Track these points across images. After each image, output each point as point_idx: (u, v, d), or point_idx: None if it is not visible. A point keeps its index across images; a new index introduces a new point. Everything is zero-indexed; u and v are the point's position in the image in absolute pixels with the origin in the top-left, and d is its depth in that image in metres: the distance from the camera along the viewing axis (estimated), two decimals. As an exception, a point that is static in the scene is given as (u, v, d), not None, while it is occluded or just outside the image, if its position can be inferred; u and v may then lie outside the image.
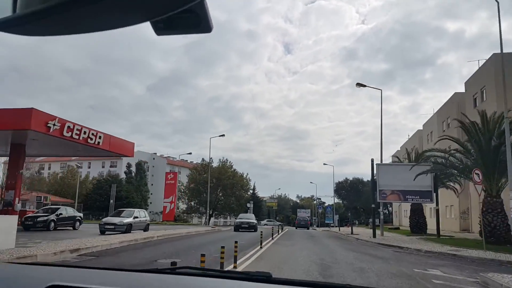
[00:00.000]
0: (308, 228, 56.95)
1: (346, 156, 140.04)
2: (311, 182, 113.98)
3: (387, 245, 21.16)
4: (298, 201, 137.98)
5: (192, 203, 73.01)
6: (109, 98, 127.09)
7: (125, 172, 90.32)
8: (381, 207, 29.12)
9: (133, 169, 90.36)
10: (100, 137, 20.99)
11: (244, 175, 77.51)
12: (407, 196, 26.65)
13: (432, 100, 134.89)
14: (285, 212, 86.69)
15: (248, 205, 56.32)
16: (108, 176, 76.88)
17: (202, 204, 71.89)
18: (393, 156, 53.53)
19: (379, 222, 28.16)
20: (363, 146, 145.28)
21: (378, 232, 27.37)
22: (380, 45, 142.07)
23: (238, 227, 33.01)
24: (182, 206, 75.69)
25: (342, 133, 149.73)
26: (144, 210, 25.69)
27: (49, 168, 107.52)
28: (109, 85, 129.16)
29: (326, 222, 57.47)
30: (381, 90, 29.24)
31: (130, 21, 0.68)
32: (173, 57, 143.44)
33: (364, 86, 29.46)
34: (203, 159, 74.59)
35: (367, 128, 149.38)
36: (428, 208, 36.37)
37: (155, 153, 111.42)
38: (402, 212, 62.42)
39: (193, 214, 74.52)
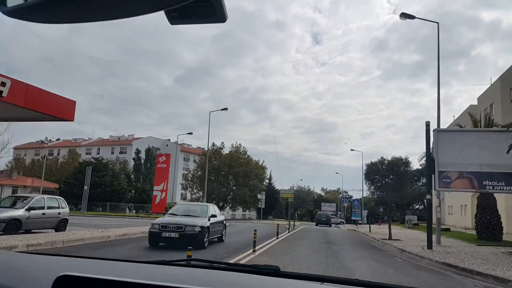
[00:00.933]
0: (330, 225, 48.78)
1: (374, 150, 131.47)
2: (336, 173, 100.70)
3: (465, 271, 11.05)
4: (323, 194, 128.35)
5: (201, 193, 63.89)
6: (138, 89, 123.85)
7: (133, 159, 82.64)
8: (437, 199, 18.75)
9: (143, 155, 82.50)
10: (3, 84, 11.31)
11: (260, 163, 67.86)
12: (484, 182, 16.23)
13: (465, 93, 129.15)
14: (306, 206, 76.45)
15: (259, 196, 46.68)
16: (93, 158, 68.07)
17: (212, 194, 62.93)
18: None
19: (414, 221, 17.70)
20: (392, 140, 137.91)
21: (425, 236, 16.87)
22: (411, 35, 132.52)
23: (154, 238, 13.07)
24: (189, 196, 66.88)
25: (370, 126, 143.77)
26: (59, 198, 16.34)
27: (58, 153, 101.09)
28: (137, 76, 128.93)
29: (352, 218, 46.95)
30: (437, 23, 19.27)
31: (144, 9, 0.67)
32: (201, 48, 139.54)
33: (413, 17, 19.51)
34: (213, 144, 65.33)
35: (397, 121, 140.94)
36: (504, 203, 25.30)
37: (169, 139, 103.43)
38: (445, 208, 50.93)
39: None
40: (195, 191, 64.95)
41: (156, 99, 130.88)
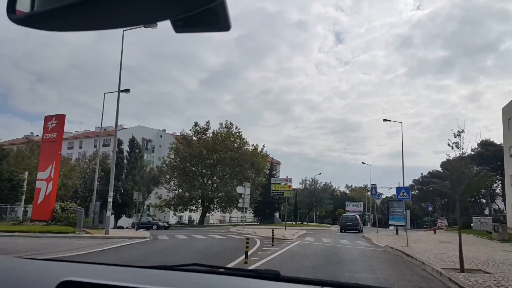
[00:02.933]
0: (359, 231, 35.59)
1: (400, 149, 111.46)
2: (363, 163, 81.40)
3: None
4: (348, 191, 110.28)
5: (180, 190, 47.30)
6: (164, 94, 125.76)
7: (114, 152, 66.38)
8: None
9: (126, 148, 66.63)
10: None
11: (259, 149, 50.47)
12: None
13: (494, 88, 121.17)
14: (324, 205, 58.39)
15: (239, 189, 29.59)
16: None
17: (194, 190, 46.14)
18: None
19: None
20: (419, 138, 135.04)
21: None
22: (437, 31, 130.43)
23: None
24: (167, 194, 50.21)
25: (396, 124, 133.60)
26: None
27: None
28: (163, 80, 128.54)
29: (391, 222, 29.04)
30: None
31: (150, 19, 0.69)
32: (224, 51, 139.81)
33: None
34: (195, 124, 48.62)
35: (424, 119, 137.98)
36: None
37: (164, 130, 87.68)
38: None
39: (185, 207, 48.50)
40: (173, 186, 48.28)
41: (182, 102, 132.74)
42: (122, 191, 61.81)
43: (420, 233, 34.57)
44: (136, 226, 37.55)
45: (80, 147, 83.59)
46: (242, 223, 52.19)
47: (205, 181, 47.25)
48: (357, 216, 41.55)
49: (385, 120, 37.45)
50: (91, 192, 69.39)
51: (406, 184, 41.90)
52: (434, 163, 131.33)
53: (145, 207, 56.69)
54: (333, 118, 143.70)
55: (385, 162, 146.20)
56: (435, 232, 31.62)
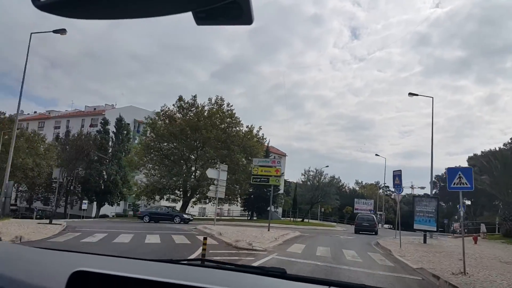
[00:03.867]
0: (375, 233, 32.13)
1: (413, 149, 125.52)
2: (376, 155, 71.37)
3: None
4: (357, 188, 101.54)
5: (155, 175, 39.36)
6: (175, 85, 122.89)
7: (97, 132, 58.73)
8: None
9: (112, 128, 58.91)
10: None
11: (255, 131, 42.22)
12: None
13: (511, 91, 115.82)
14: (329, 201, 49.66)
15: (209, 173, 21.41)
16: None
17: (172, 176, 38.33)
18: None
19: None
20: (433, 139, 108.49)
21: None
22: (455, 30, 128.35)
23: None
24: (141, 180, 42.23)
25: (410, 124, 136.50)
26: None
27: (27, 127, 79.88)
28: (175, 71, 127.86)
29: (417, 226, 20.43)
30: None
31: (172, 9, 0.69)
32: (237, 43, 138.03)
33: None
34: (180, 98, 40.64)
35: (439, 120, 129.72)
36: None
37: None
38: None
39: (161, 196, 40.66)
40: (152, 171, 40.30)
41: (193, 94, 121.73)
42: (106, 177, 54.80)
43: (452, 241, 26.02)
44: (145, 216, 30.52)
45: (67, 127, 76.45)
46: (225, 217, 44.29)
47: (189, 167, 39.24)
48: (374, 216, 37.07)
49: (411, 94, 28.76)
50: (73, 177, 61.51)
51: (425, 183, 33.08)
52: (447, 165, 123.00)
53: (133, 195, 49.20)
54: (345, 115, 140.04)
55: (397, 162, 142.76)
56: (476, 242, 23.00)
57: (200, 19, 0.73)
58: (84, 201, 53.55)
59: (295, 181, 50.44)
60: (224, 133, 38.70)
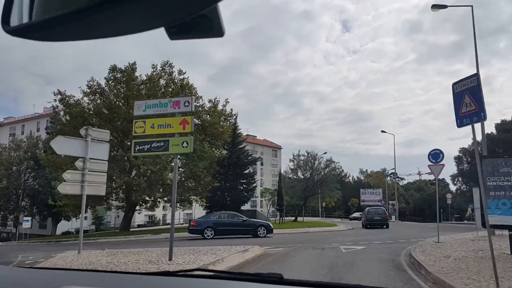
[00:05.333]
0: (386, 226, 28.26)
1: (414, 137, 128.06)
2: (382, 131, 57.84)
3: None
4: (363, 177, 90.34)
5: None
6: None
7: (47, 132, 47.99)
8: None
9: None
10: None
11: (220, 106, 31.01)
12: None
13: (507, 71, 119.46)
14: (326, 191, 38.01)
15: (53, 145, 10.18)
16: None
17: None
18: None
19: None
20: (433, 126, 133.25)
21: None
22: (447, 15, 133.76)
23: None
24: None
25: (408, 112, 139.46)
26: None
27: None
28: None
29: (492, 219, 8.48)
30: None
31: (146, 26, 0.69)
32: (231, 45, 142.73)
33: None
34: (113, 68, 29.42)
35: (437, 106, 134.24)
36: None
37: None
38: None
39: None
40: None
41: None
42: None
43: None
44: (207, 229, 19.16)
45: (23, 133, 65.72)
46: (164, 227, 32.66)
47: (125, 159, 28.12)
48: (384, 209, 32.95)
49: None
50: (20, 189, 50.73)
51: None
52: (450, 150, 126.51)
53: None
54: (344, 109, 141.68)
55: (399, 151, 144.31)
56: None
57: (173, 34, 0.73)
58: (26, 218, 42.49)
59: (290, 175, 39.02)
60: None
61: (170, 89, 29.01)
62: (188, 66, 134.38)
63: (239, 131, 30.26)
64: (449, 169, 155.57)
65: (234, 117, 30.99)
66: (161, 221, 60.65)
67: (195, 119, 28.32)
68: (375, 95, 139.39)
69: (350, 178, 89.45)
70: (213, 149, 29.08)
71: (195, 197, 27.19)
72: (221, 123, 29.19)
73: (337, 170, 37.30)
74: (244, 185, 27.71)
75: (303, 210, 37.85)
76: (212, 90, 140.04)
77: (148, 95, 27.13)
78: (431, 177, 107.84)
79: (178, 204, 27.83)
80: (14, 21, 0.73)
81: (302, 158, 37.07)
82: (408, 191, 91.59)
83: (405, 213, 76.04)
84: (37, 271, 1.86)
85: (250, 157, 30.12)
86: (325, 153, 77.56)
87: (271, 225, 20.33)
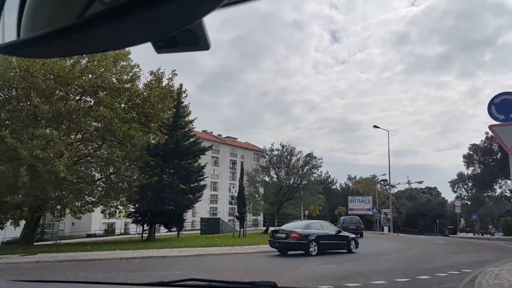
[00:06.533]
0: (361, 235, 25.21)
1: (402, 147, 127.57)
2: (375, 126, 49.68)
3: None
4: (351, 184, 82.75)
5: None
6: None
7: None
8: None
9: None
10: None
11: (165, 80, 22.66)
12: None
13: (493, 83, 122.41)
14: (307, 194, 29.85)
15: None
16: None
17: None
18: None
19: None
20: (420, 136, 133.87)
21: None
22: (433, 26, 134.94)
23: None
24: None
25: (396, 123, 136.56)
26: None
27: None
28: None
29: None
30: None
31: (132, 42, 0.70)
32: (220, 53, 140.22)
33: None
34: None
35: (424, 117, 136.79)
36: None
37: None
38: None
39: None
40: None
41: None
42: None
43: None
44: (312, 243, 14.72)
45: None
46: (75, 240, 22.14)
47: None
48: (359, 218, 30.06)
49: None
50: None
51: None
52: (435, 161, 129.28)
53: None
54: (333, 118, 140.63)
55: (387, 161, 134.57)
56: None
57: (159, 48, 0.74)
58: None
59: (261, 174, 30.65)
60: (99, 78, 19.46)
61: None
62: (177, 74, 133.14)
63: (185, 112, 22.08)
64: (446, 175, 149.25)
65: (184, 95, 22.95)
66: (121, 230, 52.08)
67: (124, 93, 20.36)
68: (364, 105, 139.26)
69: (338, 184, 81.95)
70: (149, 134, 20.94)
71: (116, 202, 19.02)
72: (154, 93, 21.02)
73: (319, 169, 29.00)
74: (187, 184, 19.43)
75: (275, 218, 29.77)
76: (201, 98, 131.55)
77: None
78: (422, 185, 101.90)
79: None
80: (2, 39, 0.73)
81: (275, 153, 29.20)
82: (399, 199, 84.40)
83: (397, 223, 68.61)
84: (31, 284, 1.77)
85: (197, 145, 21.77)
86: (312, 151, 69.56)
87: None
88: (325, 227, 16.37)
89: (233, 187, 65.70)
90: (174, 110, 21.03)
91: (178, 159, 19.45)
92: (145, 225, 20.01)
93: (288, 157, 28.96)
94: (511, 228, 39.84)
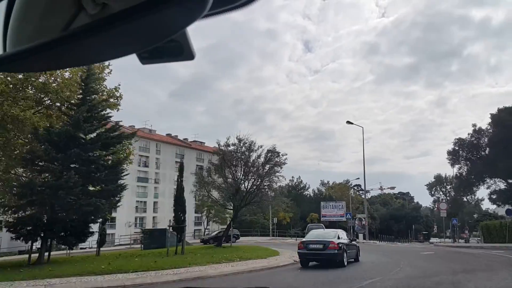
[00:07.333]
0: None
1: (374, 155, 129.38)
2: (348, 122, 44.81)
3: None
4: (324, 189, 78.40)
5: None
6: (134, 106, 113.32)
7: None
8: None
9: None
10: None
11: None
12: None
13: (459, 93, 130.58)
14: (264, 198, 24.69)
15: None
16: None
17: None
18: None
19: None
20: (390, 144, 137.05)
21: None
22: (402, 38, 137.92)
23: None
24: None
25: (367, 131, 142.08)
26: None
27: None
28: (133, 92, 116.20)
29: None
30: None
31: (117, 54, 0.70)
32: (194, 61, 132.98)
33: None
34: None
35: (393, 125, 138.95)
36: None
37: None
38: None
39: None
40: None
41: (153, 114, 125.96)
42: None
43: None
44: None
45: None
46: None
47: None
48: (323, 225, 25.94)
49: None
50: None
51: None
52: (405, 168, 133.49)
53: None
54: (307, 127, 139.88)
55: (359, 169, 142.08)
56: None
57: (144, 59, 0.74)
58: None
59: (213, 174, 25.20)
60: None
61: None
62: (149, 80, 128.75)
63: (101, 88, 16.48)
64: (415, 182, 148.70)
65: (108, 70, 17.44)
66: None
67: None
68: (336, 114, 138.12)
69: (310, 190, 77.55)
70: (49, 117, 15.22)
71: None
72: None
73: (283, 167, 23.76)
74: (93, 183, 13.70)
75: (231, 227, 24.37)
76: (173, 106, 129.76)
77: None
78: (395, 191, 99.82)
79: None
80: None
81: (231, 148, 24.01)
82: (373, 205, 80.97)
83: (371, 229, 64.75)
84: None
85: (111, 132, 15.91)
86: (275, 145, 64.57)
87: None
88: (345, 236, 15.60)
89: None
90: (83, 84, 15.49)
91: (79, 149, 13.85)
92: (37, 241, 14.22)
93: (247, 153, 23.78)
94: (493, 233, 36.02)
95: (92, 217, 14.52)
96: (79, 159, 14.05)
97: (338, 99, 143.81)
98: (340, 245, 13.64)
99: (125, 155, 18.71)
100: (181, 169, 19.14)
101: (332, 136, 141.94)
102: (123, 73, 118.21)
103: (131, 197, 61.09)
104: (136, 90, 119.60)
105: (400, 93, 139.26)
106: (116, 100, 19.64)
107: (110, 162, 15.87)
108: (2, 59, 0.71)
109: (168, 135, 74.40)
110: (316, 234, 15.71)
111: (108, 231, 58.95)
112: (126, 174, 16.60)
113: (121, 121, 17.72)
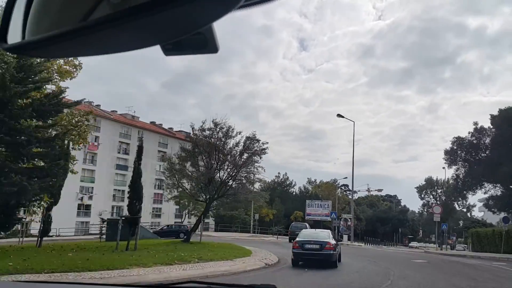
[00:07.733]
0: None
1: (363, 157, 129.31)
2: (339, 115, 42.36)
3: None
4: (310, 188, 76.13)
5: None
6: (125, 95, 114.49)
7: None
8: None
9: None
10: None
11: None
12: None
13: (450, 100, 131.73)
14: (241, 190, 22.21)
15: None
16: None
17: None
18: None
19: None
20: (380, 147, 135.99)
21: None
22: (398, 42, 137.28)
23: None
24: None
25: (358, 133, 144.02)
26: None
27: None
28: (124, 82, 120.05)
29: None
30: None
31: (141, 44, 0.70)
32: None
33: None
34: None
35: (384, 129, 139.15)
36: None
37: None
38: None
39: None
40: None
41: (143, 105, 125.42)
42: None
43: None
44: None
45: None
46: None
47: None
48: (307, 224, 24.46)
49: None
50: None
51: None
52: (394, 171, 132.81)
53: None
54: (298, 125, 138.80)
55: (348, 170, 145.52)
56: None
57: (168, 50, 0.73)
58: None
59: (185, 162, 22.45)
60: None
61: None
62: (141, 70, 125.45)
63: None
64: (402, 186, 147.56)
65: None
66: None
67: None
68: (328, 114, 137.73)
69: (296, 188, 75.25)
70: None
71: None
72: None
73: (262, 157, 21.08)
74: (23, 158, 10.90)
75: (202, 220, 21.67)
76: (165, 97, 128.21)
77: None
78: (382, 193, 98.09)
79: None
80: (11, 39, 0.73)
81: (206, 132, 21.29)
82: (360, 206, 79.03)
83: (357, 231, 62.83)
84: (33, 285, 1.78)
85: (52, 97, 13.04)
86: (255, 131, 61.92)
87: None
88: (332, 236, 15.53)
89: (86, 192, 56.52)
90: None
91: (4, 114, 10.92)
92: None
93: (223, 139, 21.06)
94: (483, 241, 33.95)
95: (16, 200, 11.69)
96: (3, 126, 11.21)
97: (331, 99, 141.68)
98: (334, 245, 13.77)
99: (78, 132, 15.90)
100: (139, 152, 16.40)
101: (323, 136, 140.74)
102: (117, 59, 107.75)
103: (108, 184, 57.91)
104: (126, 78, 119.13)
105: (392, 97, 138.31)
106: (73, 68, 16.80)
107: (47, 135, 13.09)
108: (25, 45, 0.70)
109: (152, 123, 71.31)
110: (309, 234, 15.46)
111: (82, 219, 55.68)
112: (67, 152, 13.69)
113: (67, 88, 14.83)
